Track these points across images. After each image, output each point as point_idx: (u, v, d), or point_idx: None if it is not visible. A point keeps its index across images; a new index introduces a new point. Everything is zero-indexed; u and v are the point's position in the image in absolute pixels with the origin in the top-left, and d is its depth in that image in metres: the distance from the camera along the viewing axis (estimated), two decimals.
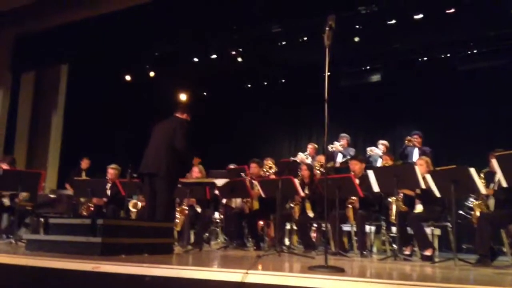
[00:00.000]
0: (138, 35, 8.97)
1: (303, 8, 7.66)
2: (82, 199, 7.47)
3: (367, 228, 6.19)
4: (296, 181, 6.14)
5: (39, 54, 10.08)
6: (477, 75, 9.27)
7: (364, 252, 5.88)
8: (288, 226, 6.84)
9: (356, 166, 6.44)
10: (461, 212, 6.73)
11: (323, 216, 6.13)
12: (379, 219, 6.29)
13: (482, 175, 5.15)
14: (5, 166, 7.15)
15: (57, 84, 10.61)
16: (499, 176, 4.54)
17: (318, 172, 7.05)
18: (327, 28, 3.63)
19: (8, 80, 10.21)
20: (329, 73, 3.52)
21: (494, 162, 4.58)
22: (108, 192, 7.30)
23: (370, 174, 5.54)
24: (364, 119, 10.77)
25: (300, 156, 8.79)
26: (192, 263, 3.94)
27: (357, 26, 8.31)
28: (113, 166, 7.51)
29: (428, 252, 5.37)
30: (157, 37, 9.13)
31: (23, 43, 10.07)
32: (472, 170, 4.77)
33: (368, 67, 10.62)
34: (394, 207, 5.66)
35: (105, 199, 7.31)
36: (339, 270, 3.09)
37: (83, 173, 9.06)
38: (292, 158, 8.94)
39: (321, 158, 7.56)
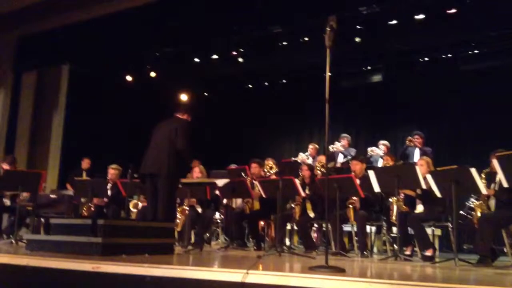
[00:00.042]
0: (139, 35, 8.97)
1: (304, 8, 7.65)
2: (82, 199, 7.48)
3: (368, 228, 6.19)
4: (297, 181, 6.14)
5: (40, 54, 10.10)
6: (479, 75, 9.26)
7: (365, 252, 5.88)
8: (288, 226, 6.84)
9: (357, 166, 6.44)
10: (462, 212, 6.70)
11: (323, 216, 6.14)
12: (379, 219, 6.28)
13: (483, 175, 5.14)
14: (5, 166, 7.16)
15: (58, 84, 10.61)
16: (500, 176, 4.54)
17: (319, 172, 7.05)
18: (328, 29, 3.63)
19: (10, 80, 10.23)
20: (330, 74, 3.52)
21: (495, 163, 4.57)
22: (109, 192, 7.31)
23: (371, 174, 5.54)
24: (365, 119, 10.77)
25: (301, 156, 8.80)
26: (192, 263, 3.95)
27: (358, 27, 8.31)
28: (113, 166, 7.51)
29: (428, 252, 5.36)
30: (158, 37, 9.13)
31: (25, 43, 10.09)
32: (473, 170, 4.76)
33: (369, 68, 10.60)
34: (395, 207, 5.66)
35: (105, 199, 7.32)
36: (340, 270, 3.09)
37: (84, 173, 9.07)
38: (293, 158, 8.95)
39: (322, 158, 7.56)
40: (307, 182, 6.62)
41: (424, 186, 5.29)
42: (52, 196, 7.76)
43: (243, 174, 7.11)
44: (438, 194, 5.14)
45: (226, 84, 12.06)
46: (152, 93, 11.01)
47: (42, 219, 7.47)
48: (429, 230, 5.77)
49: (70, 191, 8.17)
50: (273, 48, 9.33)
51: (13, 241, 5.86)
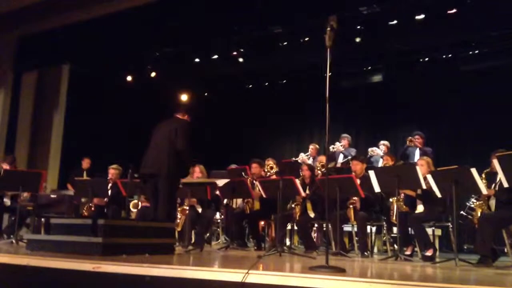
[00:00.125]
0: (139, 35, 8.97)
1: (304, 8, 7.65)
2: (83, 199, 7.49)
3: (368, 228, 6.19)
4: (297, 181, 6.14)
5: (41, 54, 10.10)
6: (479, 76, 9.26)
7: (365, 253, 5.88)
8: (289, 226, 6.83)
9: (357, 167, 6.44)
10: (462, 212, 6.71)
11: (324, 216, 6.13)
12: (380, 220, 6.29)
13: (483, 175, 5.14)
14: (6, 166, 7.16)
15: (58, 84, 10.61)
16: (501, 176, 4.54)
17: (319, 172, 7.05)
18: (328, 29, 3.63)
19: (10, 80, 10.23)
20: (330, 74, 3.52)
21: (496, 163, 4.58)
22: (109, 192, 7.31)
23: (371, 174, 5.54)
24: (365, 119, 10.77)
25: (302, 157, 8.80)
26: (193, 263, 3.94)
27: (359, 27, 8.31)
28: (114, 166, 7.53)
29: (429, 253, 5.36)
30: (158, 37, 9.13)
31: (25, 43, 10.08)
32: (474, 171, 4.76)
33: (369, 68, 10.60)
34: (395, 208, 5.66)
35: (106, 199, 7.32)
36: (340, 270, 3.09)
37: (84, 173, 9.07)
38: (293, 159, 8.95)
39: (323, 159, 7.56)
40: (308, 182, 6.62)
41: (424, 186, 5.29)
42: (53, 196, 7.76)
43: (243, 174, 7.11)
44: (439, 194, 5.14)
45: (226, 84, 12.05)
46: (152, 93, 11.01)
47: (43, 219, 7.46)
48: (429, 230, 5.76)
49: (70, 191, 8.17)
50: (273, 48, 9.33)
51: (13, 241, 5.86)
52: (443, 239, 7.06)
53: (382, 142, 8.47)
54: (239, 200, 7.15)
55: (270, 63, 10.75)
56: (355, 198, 5.99)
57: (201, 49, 9.82)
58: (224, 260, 4.67)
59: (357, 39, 8.50)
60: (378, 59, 10.28)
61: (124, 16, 8.63)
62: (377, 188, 5.51)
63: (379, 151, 8.34)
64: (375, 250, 6.92)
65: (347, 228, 6.57)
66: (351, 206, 6.00)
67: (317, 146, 9.00)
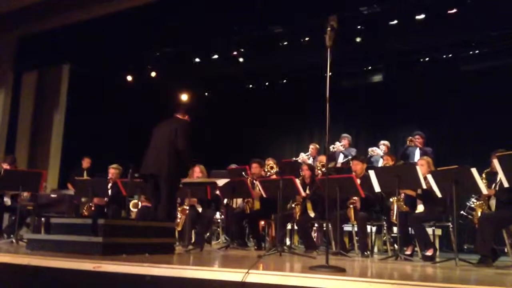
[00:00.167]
0: (139, 35, 8.97)
1: (304, 8, 7.65)
2: (83, 199, 7.49)
3: (368, 228, 6.19)
4: (297, 181, 6.14)
5: (41, 54, 10.10)
6: (479, 76, 9.26)
7: (365, 252, 5.88)
8: (289, 226, 6.84)
9: (357, 166, 6.44)
10: (462, 212, 6.72)
11: (324, 216, 6.13)
12: (380, 219, 6.29)
13: (483, 175, 5.14)
14: (6, 166, 7.16)
15: (58, 84, 10.61)
16: (501, 176, 4.54)
17: (319, 172, 7.05)
18: (328, 29, 3.63)
19: (10, 80, 10.23)
20: (330, 74, 3.52)
21: (496, 163, 4.58)
22: (109, 192, 7.31)
23: (372, 174, 5.54)
24: (366, 119, 10.77)
25: (302, 156, 8.80)
26: (193, 263, 3.94)
27: (359, 27, 8.32)
28: (114, 166, 7.53)
29: (429, 252, 5.36)
30: (158, 37, 9.13)
31: (25, 43, 10.08)
32: (474, 171, 4.76)
33: (370, 68, 10.61)
34: (395, 207, 5.66)
35: (106, 199, 7.32)
36: (340, 270, 3.09)
37: (85, 173, 9.08)
38: (293, 158, 8.95)
39: (323, 158, 7.56)
40: (308, 182, 6.62)
41: (424, 186, 5.29)
42: (53, 195, 7.77)
43: (243, 174, 7.11)
44: (439, 194, 5.14)
45: (226, 84, 12.05)
46: (152, 93, 11.01)
47: (43, 219, 7.45)
48: (429, 230, 5.76)
49: (70, 191, 8.17)
50: (273, 48, 9.34)
51: (13, 240, 5.87)
52: (443, 239, 7.06)
53: (382, 142, 8.47)
54: (239, 200, 7.15)
55: (270, 63, 10.75)
56: (355, 198, 5.99)
57: (201, 49, 9.82)
58: (224, 259, 4.67)
59: (358, 39, 8.51)
60: (379, 59, 10.28)
61: (124, 16, 8.63)
62: (377, 188, 5.51)
63: (379, 151, 8.34)
64: (375, 250, 6.92)
65: (347, 228, 6.57)
66: (351, 206, 6.00)
67: (317, 146, 9.00)
